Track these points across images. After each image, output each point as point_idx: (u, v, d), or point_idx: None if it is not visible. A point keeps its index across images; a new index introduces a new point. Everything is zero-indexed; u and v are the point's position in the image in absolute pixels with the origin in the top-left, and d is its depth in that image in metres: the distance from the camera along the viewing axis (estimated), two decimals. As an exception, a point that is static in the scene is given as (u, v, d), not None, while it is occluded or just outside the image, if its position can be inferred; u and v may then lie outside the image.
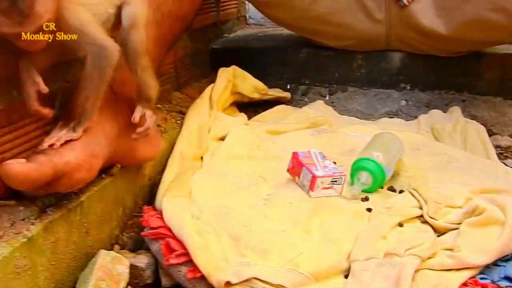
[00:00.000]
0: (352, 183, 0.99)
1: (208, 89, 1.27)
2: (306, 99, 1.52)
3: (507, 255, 0.80)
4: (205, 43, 1.59)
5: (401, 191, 0.99)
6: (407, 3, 1.35)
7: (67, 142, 0.73)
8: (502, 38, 1.33)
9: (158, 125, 1.09)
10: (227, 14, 1.82)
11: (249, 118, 1.36)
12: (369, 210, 0.92)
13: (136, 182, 0.96)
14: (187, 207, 0.89)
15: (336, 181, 0.97)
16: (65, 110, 0.78)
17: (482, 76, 1.43)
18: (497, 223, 0.82)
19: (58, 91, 0.80)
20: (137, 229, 0.93)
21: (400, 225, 0.87)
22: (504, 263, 0.79)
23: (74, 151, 0.73)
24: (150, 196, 1.00)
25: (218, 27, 1.72)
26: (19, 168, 0.65)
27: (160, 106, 1.22)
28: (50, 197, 0.73)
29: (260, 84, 1.42)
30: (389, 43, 1.45)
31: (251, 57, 1.56)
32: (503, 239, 0.79)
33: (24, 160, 0.67)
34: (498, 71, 1.42)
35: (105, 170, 0.85)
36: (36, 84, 0.68)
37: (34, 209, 0.70)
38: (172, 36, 1.05)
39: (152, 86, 0.83)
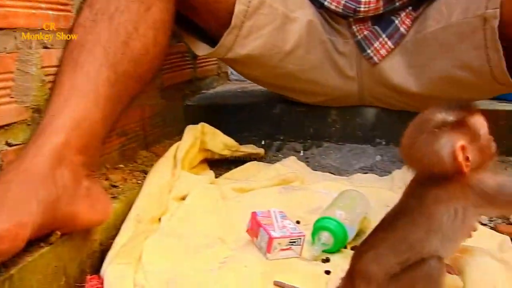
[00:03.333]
0: (313, 243, 0.95)
1: (173, 148, 1.23)
2: (280, 155, 1.49)
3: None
4: (179, 100, 1.58)
5: (366, 251, 0.95)
6: (377, 61, 1.33)
7: None
8: (471, 95, 1.29)
9: (115, 186, 1.06)
10: (205, 70, 1.82)
11: (222, 175, 1.33)
12: (327, 272, 0.88)
13: (83, 248, 0.91)
14: (131, 275, 0.84)
15: (294, 241, 0.93)
16: None
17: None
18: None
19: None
20: (82, 300, 0.87)
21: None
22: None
23: None
24: (100, 263, 0.94)
25: (194, 84, 1.72)
26: None
27: (123, 166, 1.19)
28: (-27, 269, 0.69)
29: (230, 141, 1.39)
30: (362, 99, 1.43)
31: (226, 114, 1.55)
32: None
33: None
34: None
35: (43, 238, 0.80)
36: None
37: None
38: (127, 95, 1.03)
39: None
